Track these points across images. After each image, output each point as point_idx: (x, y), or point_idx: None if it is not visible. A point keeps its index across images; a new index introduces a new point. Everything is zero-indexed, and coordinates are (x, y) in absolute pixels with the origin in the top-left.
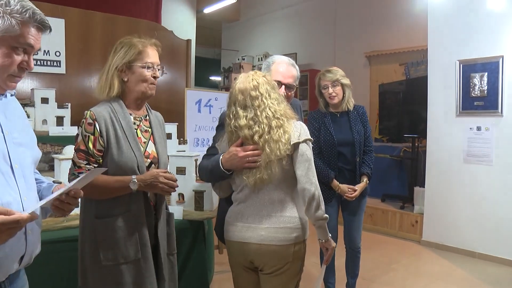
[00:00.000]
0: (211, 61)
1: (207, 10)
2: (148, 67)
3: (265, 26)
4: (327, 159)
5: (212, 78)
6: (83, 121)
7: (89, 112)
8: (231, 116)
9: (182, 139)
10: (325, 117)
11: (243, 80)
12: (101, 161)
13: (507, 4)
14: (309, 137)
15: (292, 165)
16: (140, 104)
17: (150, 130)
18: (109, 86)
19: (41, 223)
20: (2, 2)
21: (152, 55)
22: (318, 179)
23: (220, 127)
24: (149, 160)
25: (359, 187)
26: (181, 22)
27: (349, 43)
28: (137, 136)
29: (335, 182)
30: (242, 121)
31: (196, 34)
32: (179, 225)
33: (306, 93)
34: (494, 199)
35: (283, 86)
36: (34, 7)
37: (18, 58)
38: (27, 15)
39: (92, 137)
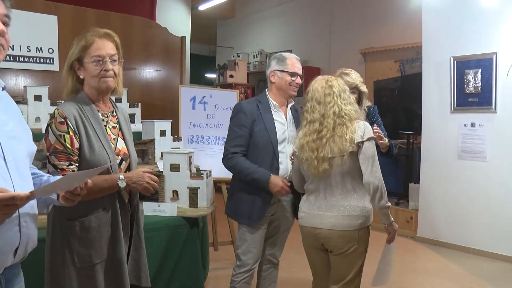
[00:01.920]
0: (206, 58)
1: (202, 7)
2: (97, 61)
3: (260, 23)
4: None
5: (207, 75)
6: (52, 121)
7: (57, 110)
8: (309, 110)
9: (176, 136)
10: None
11: (321, 80)
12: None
13: (500, 0)
14: (372, 135)
15: (356, 160)
16: (105, 100)
17: (118, 126)
18: (64, 84)
19: (37, 217)
20: None
21: (102, 47)
22: None
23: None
24: (119, 157)
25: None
26: (176, 19)
27: (344, 40)
28: (107, 132)
29: None
30: (316, 115)
31: (191, 31)
32: (173, 222)
33: (301, 90)
34: (488, 195)
35: (298, 77)
36: None
37: None
38: None
39: (67, 135)
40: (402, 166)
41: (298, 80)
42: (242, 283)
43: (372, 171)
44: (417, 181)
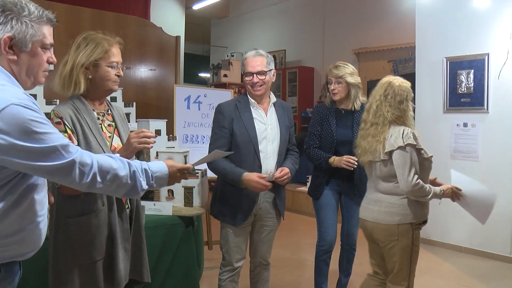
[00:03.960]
0: (200, 57)
1: (196, 6)
2: (113, 67)
3: (254, 23)
4: None
5: (201, 74)
6: None
7: (53, 112)
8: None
9: (171, 135)
10: (329, 112)
11: (385, 78)
12: None
13: (492, 2)
14: (405, 143)
15: (392, 167)
16: (102, 100)
17: (113, 124)
18: (74, 83)
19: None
20: (25, 12)
21: (117, 54)
22: (317, 165)
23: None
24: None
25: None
26: (170, 19)
27: (338, 40)
28: (102, 131)
29: (332, 157)
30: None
31: (185, 30)
32: (168, 221)
33: (295, 90)
34: None
35: (254, 75)
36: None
37: (46, 56)
38: (44, 18)
39: (66, 134)
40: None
41: (254, 79)
42: (228, 282)
43: (403, 180)
44: None
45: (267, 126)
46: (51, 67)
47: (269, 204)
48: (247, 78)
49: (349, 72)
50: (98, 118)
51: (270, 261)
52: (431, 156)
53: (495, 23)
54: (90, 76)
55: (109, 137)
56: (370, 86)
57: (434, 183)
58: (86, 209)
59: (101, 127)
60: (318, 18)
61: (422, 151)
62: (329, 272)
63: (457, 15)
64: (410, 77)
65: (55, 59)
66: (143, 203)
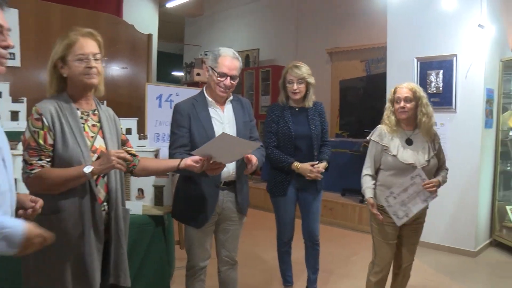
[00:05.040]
0: (174, 56)
1: (170, 4)
2: (81, 59)
3: (228, 22)
4: (283, 151)
5: (175, 73)
6: (29, 118)
7: (35, 107)
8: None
9: (142, 134)
10: (284, 110)
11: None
12: (52, 155)
13: (460, 4)
14: (368, 138)
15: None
16: (87, 98)
17: (98, 124)
18: (49, 82)
19: None
20: None
21: (86, 46)
22: (278, 166)
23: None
24: (95, 155)
25: (321, 166)
26: (143, 17)
27: (311, 39)
28: (84, 130)
29: (295, 163)
30: None
31: (158, 28)
32: (138, 220)
33: (268, 89)
34: (447, 192)
35: (228, 78)
36: None
37: None
38: None
39: (41, 132)
40: None
41: (226, 82)
42: (196, 282)
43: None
44: None
45: (224, 125)
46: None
47: (232, 203)
48: (220, 78)
49: (309, 73)
50: (82, 117)
51: (237, 259)
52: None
53: (462, 25)
54: (65, 74)
55: (92, 137)
56: (342, 85)
57: None
58: (58, 207)
59: (84, 126)
60: (292, 18)
61: (385, 148)
62: (297, 270)
63: (427, 17)
64: (382, 76)
65: (10, 43)
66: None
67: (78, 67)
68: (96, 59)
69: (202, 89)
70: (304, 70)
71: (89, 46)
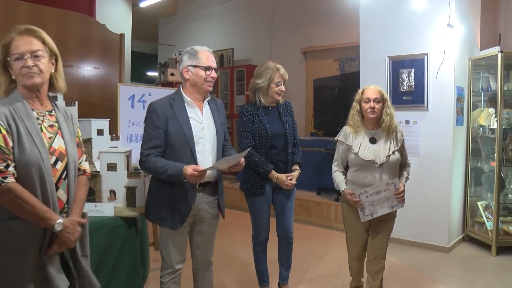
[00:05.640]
0: (148, 56)
1: (143, 4)
2: (19, 59)
3: (202, 21)
4: (260, 150)
5: (149, 73)
6: None
7: None
8: None
9: (114, 135)
10: (258, 110)
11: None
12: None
13: (430, 4)
14: (335, 138)
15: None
16: (40, 98)
17: (56, 125)
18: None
19: None
20: None
21: (22, 44)
22: (255, 170)
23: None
24: (54, 157)
25: (294, 176)
26: (116, 16)
27: (285, 38)
28: (42, 131)
29: (273, 172)
30: None
31: (132, 28)
32: (110, 222)
33: (242, 88)
34: (420, 189)
35: (213, 70)
36: None
37: None
38: None
39: (0, 134)
40: None
41: (213, 74)
42: (171, 284)
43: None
44: None
45: (203, 125)
46: None
47: (207, 204)
48: (207, 72)
49: None
50: (38, 119)
51: (212, 260)
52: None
53: (432, 25)
54: (13, 76)
55: (50, 138)
56: (316, 84)
57: None
58: (12, 215)
59: (41, 127)
60: (266, 17)
61: (349, 147)
62: (270, 268)
63: (399, 15)
64: (356, 75)
65: None
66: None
67: (17, 68)
68: (36, 56)
69: (179, 89)
70: (285, 70)
71: (25, 44)
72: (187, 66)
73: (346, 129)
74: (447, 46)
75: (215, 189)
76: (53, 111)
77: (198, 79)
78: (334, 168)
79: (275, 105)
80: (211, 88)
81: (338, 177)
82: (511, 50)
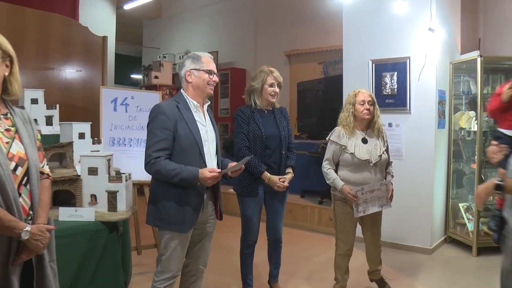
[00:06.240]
0: (132, 58)
1: (127, 6)
2: None
3: (186, 24)
4: (254, 151)
5: (134, 76)
6: None
7: None
8: None
9: (96, 138)
10: (253, 112)
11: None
12: None
13: (411, 9)
14: (327, 138)
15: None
16: None
17: (13, 129)
18: None
19: None
20: None
21: None
22: (248, 170)
23: None
24: (14, 163)
25: (286, 179)
26: (100, 18)
27: (269, 41)
28: None
29: (266, 173)
30: None
31: (117, 30)
32: (91, 227)
33: (227, 91)
34: (403, 191)
35: (215, 75)
36: None
37: None
38: None
39: None
40: None
41: (215, 78)
42: None
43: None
44: None
45: (207, 128)
46: None
47: (210, 206)
48: (210, 76)
49: None
50: None
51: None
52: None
53: (414, 29)
54: None
55: (7, 143)
56: (300, 87)
57: None
58: None
59: None
60: (250, 20)
61: (343, 147)
62: (256, 272)
63: (381, 20)
64: (339, 78)
65: None
66: (62, 209)
67: None
68: None
69: (180, 92)
70: (279, 74)
71: None
72: (190, 69)
73: (339, 129)
74: (428, 50)
75: (213, 192)
76: (8, 114)
77: (202, 82)
78: (326, 166)
79: (271, 109)
80: (212, 92)
81: (332, 175)
82: (491, 54)
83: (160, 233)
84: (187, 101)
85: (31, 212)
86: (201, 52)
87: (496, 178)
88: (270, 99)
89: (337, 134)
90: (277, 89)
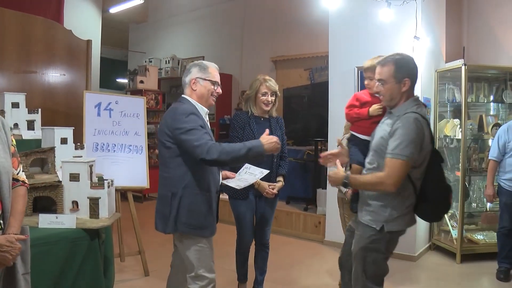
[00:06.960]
0: (118, 62)
1: (113, 10)
2: None
3: (173, 29)
4: None
5: (119, 80)
6: None
7: None
8: None
9: (78, 144)
10: (249, 118)
11: None
12: None
13: (398, 16)
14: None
15: None
16: None
17: None
18: None
19: None
20: None
21: None
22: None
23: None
24: None
25: (276, 186)
26: (85, 22)
27: (256, 47)
28: None
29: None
30: None
31: (102, 34)
32: (72, 234)
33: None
34: None
35: (219, 86)
36: None
37: None
38: None
39: None
40: (310, 172)
41: (219, 90)
42: None
43: None
44: (325, 186)
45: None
46: None
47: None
48: (214, 87)
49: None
50: None
51: None
52: None
53: (400, 36)
54: None
55: None
56: (286, 93)
57: None
58: None
59: None
60: (237, 26)
61: None
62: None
63: (366, 27)
64: (326, 84)
65: None
66: (42, 216)
67: None
68: None
69: (187, 98)
70: (275, 83)
71: None
72: (196, 78)
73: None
74: (414, 58)
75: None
76: None
77: (206, 92)
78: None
79: (267, 117)
80: (214, 103)
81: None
82: (474, 62)
83: (186, 243)
84: (197, 107)
85: (1, 222)
86: (209, 62)
87: (346, 173)
88: (263, 108)
89: None
90: (269, 98)
